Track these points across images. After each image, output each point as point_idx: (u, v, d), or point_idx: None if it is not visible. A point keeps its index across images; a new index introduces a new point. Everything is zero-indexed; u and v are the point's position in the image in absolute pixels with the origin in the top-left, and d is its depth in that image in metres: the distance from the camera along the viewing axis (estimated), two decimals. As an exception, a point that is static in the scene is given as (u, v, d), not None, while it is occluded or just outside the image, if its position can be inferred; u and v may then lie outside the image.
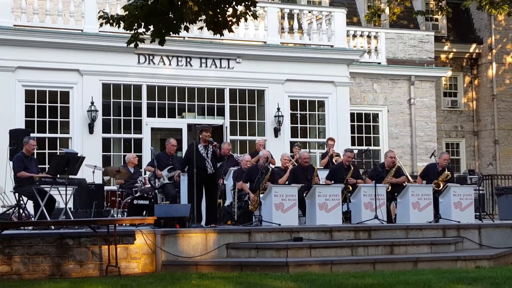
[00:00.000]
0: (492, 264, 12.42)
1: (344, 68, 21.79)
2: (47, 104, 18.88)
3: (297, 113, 21.48)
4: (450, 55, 29.73)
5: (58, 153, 17.69)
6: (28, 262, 11.12)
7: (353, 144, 22.17)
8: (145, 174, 16.89)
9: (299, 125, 21.53)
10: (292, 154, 17.83)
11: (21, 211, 13.47)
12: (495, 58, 29.47)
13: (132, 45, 10.75)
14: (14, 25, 18.72)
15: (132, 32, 10.57)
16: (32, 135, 15.91)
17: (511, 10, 23.94)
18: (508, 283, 9.91)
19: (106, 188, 16.29)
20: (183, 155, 14.33)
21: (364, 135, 23.90)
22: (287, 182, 15.23)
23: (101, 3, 19.31)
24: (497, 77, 29.42)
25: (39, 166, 14.43)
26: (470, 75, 30.12)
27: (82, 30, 19.30)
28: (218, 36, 11.03)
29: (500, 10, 24.04)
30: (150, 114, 19.84)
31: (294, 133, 21.34)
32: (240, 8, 10.56)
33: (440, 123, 28.22)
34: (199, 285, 9.92)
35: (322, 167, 17.65)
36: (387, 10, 26.97)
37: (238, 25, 10.87)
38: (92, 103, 18.80)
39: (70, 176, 13.56)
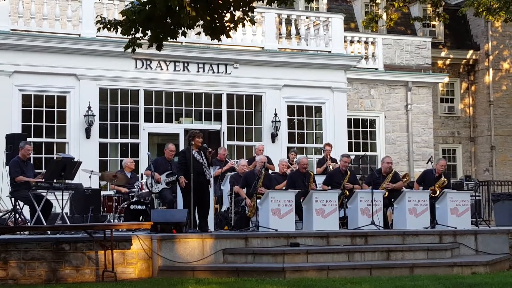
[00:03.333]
0: (488, 270, 12.44)
1: (341, 74, 21.82)
2: (44, 109, 18.86)
3: (294, 119, 21.50)
4: (447, 61, 29.76)
5: (55, 158, 17.64)
6: (24, 267, 11.10)
7: (350, 149, 22.20)
8: (142, 179, 16.88)
9: (296, 131, 21.54)
10: (288, 159, 17.83)
11: (17, 216, 13.45)
12: (492, 64, 29.51)
13: (129, 50, 10.73)
14: (11, 30, 18.71)
15: (130, 37, 10.57)
16: (28, 139, 15.93)
17: (508, 17, 23.95)
18: (505, 289, 9.93)
19: (102, 193, 16.28)
20: (179, 161, 14.16)
21: (361, 140, 23.91)
22: (284, 188, 15.23)
23: (98, 8, 19.32)
24: (494, 83, 29.47)
25: (36, 170, 14.41)
26: (467, 81, 30.17)
27: (79, 35, 19.32)
28: (215, 41, 11.02)
29: (497, 16, 24.08)
30: (147, 119, 19.84)
31: (291, 138, 21.35)
32: (238, 13, 10.56)
33: (437, 129, 28.25)
34: (196, 291, 9.92)
35: (320, 173, 17.62)
36: (384, 16, 27.00)
37: (235, 30, 10.87)
38: (89, 107, 18.80)
39: (66, 181, 13.56)
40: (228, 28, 10.51)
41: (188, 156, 13.38)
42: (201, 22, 10.28)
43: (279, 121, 20.71)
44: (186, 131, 20.07)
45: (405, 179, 16.17)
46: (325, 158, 18.12)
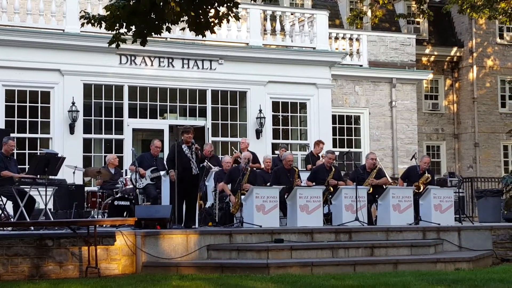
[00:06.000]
0: (472, 266, 12.48)
1: (326, 70, 21.85)
2: (28, 104, 18.78)
3: (279, 115, 21.51)
4: (431, 58, 29.89)
5: (39, 154, 17.59)
6: (7, 263, 11.04)
7: (334, 146, 22.23)
8: (126, 175, 16.84)
9: (281, 127, 21.55)
10: (278, 156, 17.78)
11: (0, 211, 13.38)
12: (476, 61, 29.67)
13: (113, 45, 10.69)
14: (-5, 25, 18.62)
15: (114, 32, 10.52)
16: (12, 135, 15.84)
17: (491, 14, 24.08)
18: (487, 285, 9.97)
19: (86, 189, 16.23)
20: (166, 156, 14.29)
21: (345, 137, 23.96)
22: (269, 184, 15.23)
23: (82, 3, 19.24)
24: (478, 80, 29.62)
25: (19, 166, 14.33)
26: (451, 78, 30.31)
27: (63, 30, 19.23)
28: (200, 37, 11.02)
29: (481, 13, 24.18)
30: (132, 114, 19.79)
31: (276, 134, 21.37)
32: (222, 9, 10.55)
33: (421, 126, 28.37)
34: (179, 287, 9.91)
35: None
36: (369, 13, 27.06)
37: (220, 26, 10.86)
38: (73, 103, 18.72)
39: (50, 177, 13.50)
40: (212, 24, 10.50)
41: (178, 150, 13.42)
42: (186, 18, 10.26)
43: (264, 117, 20.71)
44: (171, 127, 20.11)
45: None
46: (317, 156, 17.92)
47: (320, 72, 21.69)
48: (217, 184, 15.08)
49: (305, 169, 18.05)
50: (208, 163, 16.10)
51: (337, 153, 18.96)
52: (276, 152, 19.24)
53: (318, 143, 18.22)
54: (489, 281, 10.30)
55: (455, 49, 29.96)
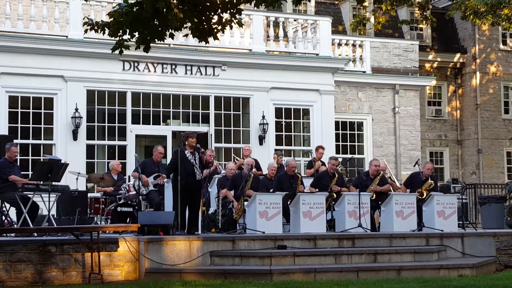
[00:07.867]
0: (475, 273, 12.46)
1: (329, 77, 21.84)
2: (31, 110, 18.78)
3: (282, 121, 21.50)
4: (435, 64, 29.89)
5: (42, 160, 17.60)
6: (10, 269, 11.04)
7: (337, 152, 22.23)
8: (129, 181, 16.84)
9: (284, 133, 21.55)
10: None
11: (3, 217, 13.38)
12: (479, 67, 29.67)
13: (117, 51, 10.70)
14: (-2, 31, 18.66)
15: (117, 38, 10.54)
16: (15, 141, 15.85)
17: (495, 20, 24.11)
18: (491, 291, 9.96)
19: (89, 195, 16.23)
20: (168, 161, 14.29)
21: (348, 143, 23.94)
22: (271, 190, 15.23)
23: (86, 10, 19.27)
24: (481, 87, 29.62)
25: (22, 172, 14.32)
26: (454, 84, 30.30)
27: (67, 36, 19.26)
28: (203, 43, 11.02)
29: (484, 20, 24.22)
30: (135, 121, 19.79)
31: (279, 141, 21.36)
32: (226, 15, 10.55)
33: (424, 132, 28.35)
34: (183, 293, 9.91)
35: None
36: (372, 19, 27.10)
37: (223, 32, 10.86)
38: (76, 109, 18.74)
39: (53, 183, 13.50)
40: (215, 30, 10.50)
41: (181, 155, 13.42)
42: (189, 24, 10.27)
43: (267, 124, 20.71)
44: (174, 133, 20.12)
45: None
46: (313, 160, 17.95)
47: (323, 78, 21.69)
48: (220, 190, 15.07)
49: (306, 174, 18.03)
50: (218, 165, 16.12)
51: (340, 159, 18.95)
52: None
53: (318, 148, 18.26)
54: (493, 287, 10.29)
55: (458, 55, 29.96)
